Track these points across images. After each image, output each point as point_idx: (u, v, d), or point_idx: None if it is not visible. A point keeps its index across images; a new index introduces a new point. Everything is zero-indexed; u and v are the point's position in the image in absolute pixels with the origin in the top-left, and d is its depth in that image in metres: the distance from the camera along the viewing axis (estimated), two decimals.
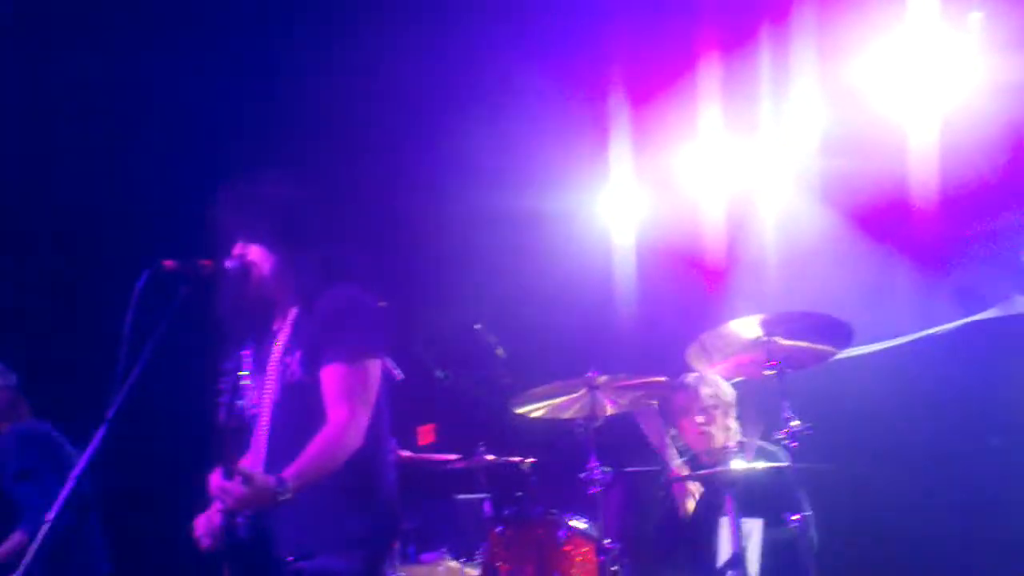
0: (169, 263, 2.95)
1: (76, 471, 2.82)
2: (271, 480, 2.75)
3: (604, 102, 6.01)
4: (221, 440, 2.79)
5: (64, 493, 2.73)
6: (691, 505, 4.21)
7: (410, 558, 4.58)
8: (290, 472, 2.77)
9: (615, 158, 5.98)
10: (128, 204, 5.78)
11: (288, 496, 2.74)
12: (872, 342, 4.73)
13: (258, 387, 3.06)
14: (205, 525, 3.07)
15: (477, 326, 5.07)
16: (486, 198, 5.70)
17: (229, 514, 2.85)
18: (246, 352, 3.04)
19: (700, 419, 4.29)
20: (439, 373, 4.97)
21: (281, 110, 5.81)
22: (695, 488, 4.21)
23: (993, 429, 4.57)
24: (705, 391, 4.32)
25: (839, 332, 3.93)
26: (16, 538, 4.61)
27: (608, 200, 5.98)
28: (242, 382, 2.92)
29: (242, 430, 3.11)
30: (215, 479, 2.75)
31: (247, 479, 2.72)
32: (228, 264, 3.08)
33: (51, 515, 2.67)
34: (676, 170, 5.74)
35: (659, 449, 4.27)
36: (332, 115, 6.05)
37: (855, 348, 4.29)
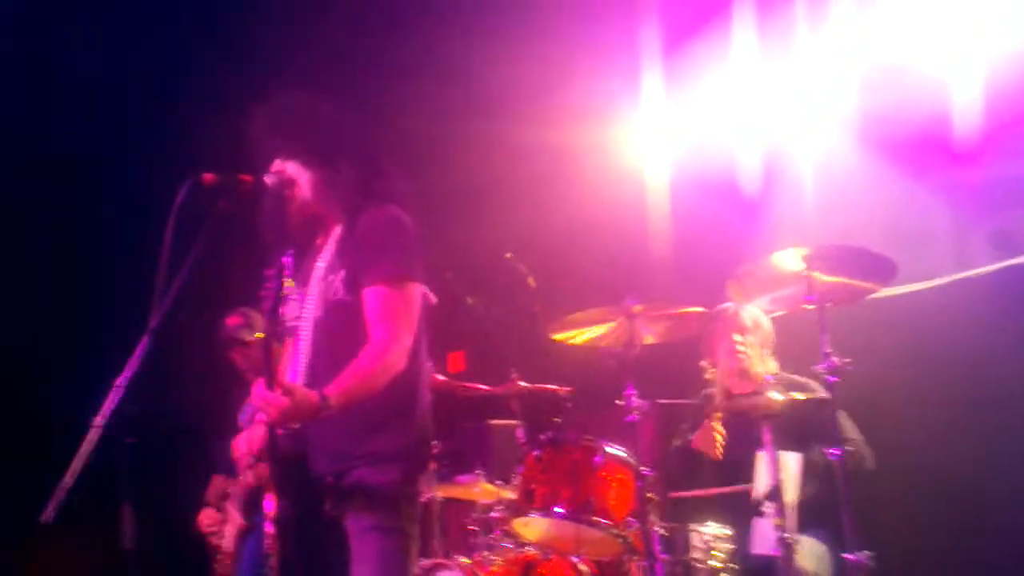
0: (208, 177, 2.93)
1: (120, 380, 2.80)
2: (313, 395, 2.75)
3: (636, 32, 5.90)
4: (264, 349, 2.77)
5: (110, 403, 2.71)
6: (714, 447, 4.18)
7: (445, 479, 4.59)
8: (333, 389, 2.77)
9: (647, 89, 5.88)
10: (165, 119, 5.73)
11: (330, 412, 2.74)
12: (908, 282, 4.67)
13: (299, 300, 3.06)
14: (244, 444, 3.11)
15: (508, 255, 5.03)
16: (517, 129, 5.63)
17: (270, 428, 2.85)
18: (287, 260, 2.99)
19: (738, 337, 4.31)
20: (470, 300, 4.95)
21: (314, 31, 5.73)
22: (717, 429, 4.18)
23: None
24: (744, 314, 4.36)
25: (881, 268, 3.86)
26: None
27: (641, 132, 5.88)
28: (284, 290, 2.89)
29: (283, 338, 3.11)
30: (258, 389, 2.74)
31: (289, 391, 2.71)
32: (268, 179, 3.05)
33: (100, 420, 2.66)
34: (710, 102, 5.65)
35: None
36: (362, 40, 5.98)
37: (893, 287, 4.24)
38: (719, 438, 4.17)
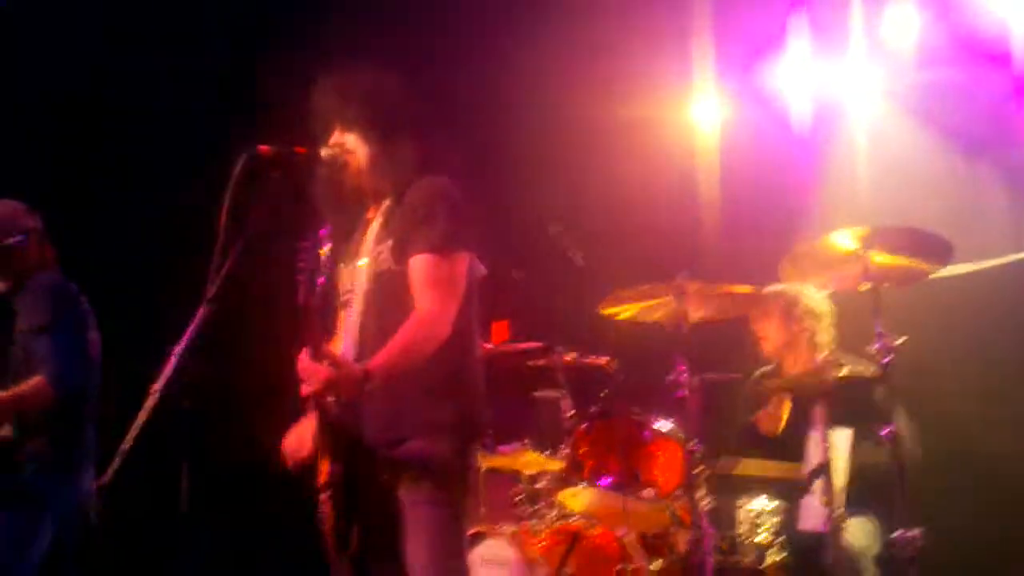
0: (264, 149, 2.93)
1: (178, 349, 2.83)
2: (358, 369, 2.76)
3: (689, 6, 5.84)
4: (303, 319, 2.78)
5: (169, 369, 2.75)
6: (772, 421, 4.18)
7: (488, 449, 4.60)
8: (376, 363, 2.78)
9: (699, 66, 5.83)
10: (223, 90, 5.78)
11: (373, 386, 2.75)
12: (963, 262, 4.61)
13: (350, 275, 3.07)
14: (293, 446, 3.09)
15: (553, 228, 5.01)
16: (568, 101, 5.59)
17: (318, 396, 2.86)
18: (323, 231, 3.01)
19: (797, 327, 4.28)
20: (515, 273, 4.95)
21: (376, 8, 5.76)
22: (778, 402, 4.19)
23: None
24: (802, 296, 4.31)
25: (938, 249, 3.81)
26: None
27: (692, 106, 5.83)
28: (322, 258, 2.89)
29: (326, 309, 3.12)
30: (303, 359, 2.75)
31: (335, 363, 2.72)
32: (324, 152, 3.06)
33: (158, 386, 2.69)
34: (763, 78, 5.59)
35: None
36: (413, 12, 5.98)
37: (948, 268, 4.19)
38: (783, 419, 4.16)
